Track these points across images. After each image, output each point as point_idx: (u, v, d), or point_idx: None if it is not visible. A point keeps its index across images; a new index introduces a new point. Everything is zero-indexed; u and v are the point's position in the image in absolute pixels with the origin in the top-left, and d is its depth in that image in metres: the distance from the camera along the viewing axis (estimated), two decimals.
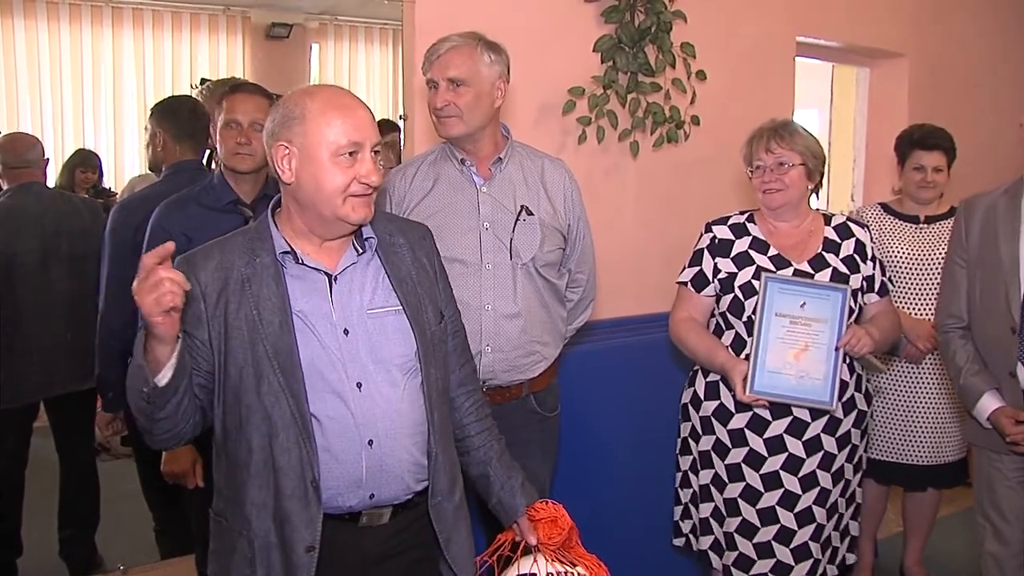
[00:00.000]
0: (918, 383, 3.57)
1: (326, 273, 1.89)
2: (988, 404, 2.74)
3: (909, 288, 3.56)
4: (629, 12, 3.69)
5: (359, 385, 1.87)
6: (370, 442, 1.87)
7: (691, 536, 2.95)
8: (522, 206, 2.66)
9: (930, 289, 3.54)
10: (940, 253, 3.53)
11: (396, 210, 2.63)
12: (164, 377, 1.70)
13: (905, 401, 3.58)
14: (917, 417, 3.57)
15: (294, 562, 1.82)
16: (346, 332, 1.88)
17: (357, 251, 1.94)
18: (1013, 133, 2.71)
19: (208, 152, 3.25)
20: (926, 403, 3.57)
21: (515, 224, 2.64)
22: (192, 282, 1.78)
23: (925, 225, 3.61)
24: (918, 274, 3.55)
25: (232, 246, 1.88)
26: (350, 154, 1.82)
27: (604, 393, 3.31)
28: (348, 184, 1.82)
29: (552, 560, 2.09)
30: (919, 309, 3.55)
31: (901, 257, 3.56)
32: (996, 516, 2.82)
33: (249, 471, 1.84)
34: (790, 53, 4.50)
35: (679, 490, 2.97)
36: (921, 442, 3.57)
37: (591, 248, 2.90)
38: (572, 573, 2.08)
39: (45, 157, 3.35)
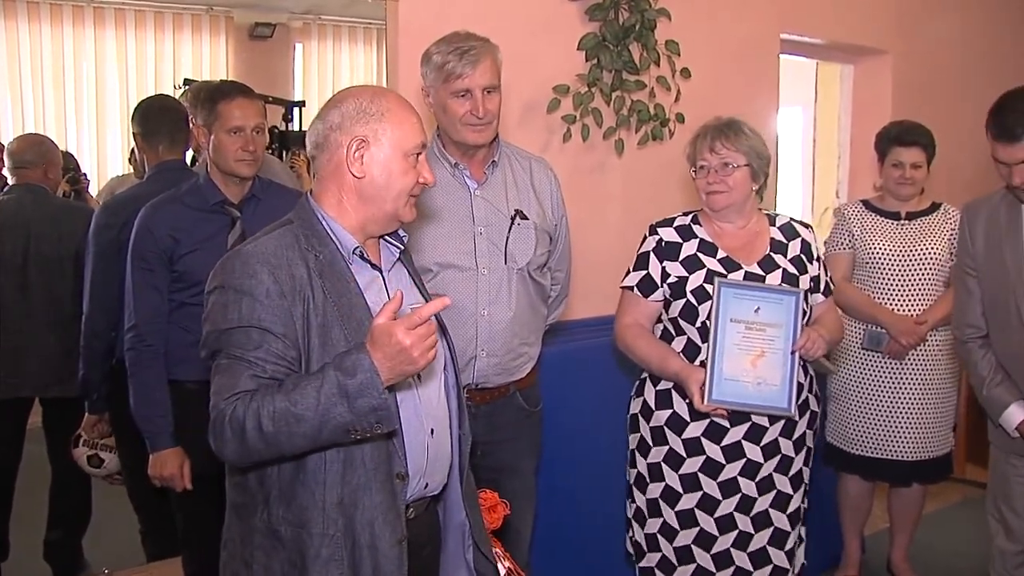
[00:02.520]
0: (902, 378, 3.58)
1: (379, 269, 1.91)
2: (1015, 416, 2.71)
3: (891, 284, 3.57)
4: (613, 10, 3.69)
5: (419, 377, 1.88)
6: (432, 432, 1.90)
7: (634, 553, 2.87)
8: (516, 211, 2.65)
9: (911, 285, 3.55)
10: (921, 249, 3.55)
11: None
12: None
13: (889, 397, 3.59)
14: (901, 413, 3.58)
15: (386, 554, 1.80)
16: None
17: (397, 248, 1.97)
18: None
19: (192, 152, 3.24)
20: (910, 399, 3.58)
21: (510, 229, 2.63)
22: (269, 279, 1.75)
23: (906, 221, 3.62)
24: (900, 270, 3.56)
25: (287, 242, 1.82)
26: (416, 155, 1.86)
27: (586, 392, 3.30)
28: (413, 184, 1.87)
29: None
30: (901, 305, 3.56)
31: (883, 253, 3.57)
32: (1008, 512, 2.81)
33: (335, 470, 1.80)
34: (774, 50, 4.51)
35: (627, 503, 2.90)
36: (905, 438, 3.58)
37: (569, 245, 2.91)
38: (498, 551, 2.18)
39: (50, 156, 3.33)
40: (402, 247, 1.97)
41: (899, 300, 3.56)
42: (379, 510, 1.80)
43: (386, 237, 1.95)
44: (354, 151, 1.83)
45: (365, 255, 1.87)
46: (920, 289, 3.54)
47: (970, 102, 5.17)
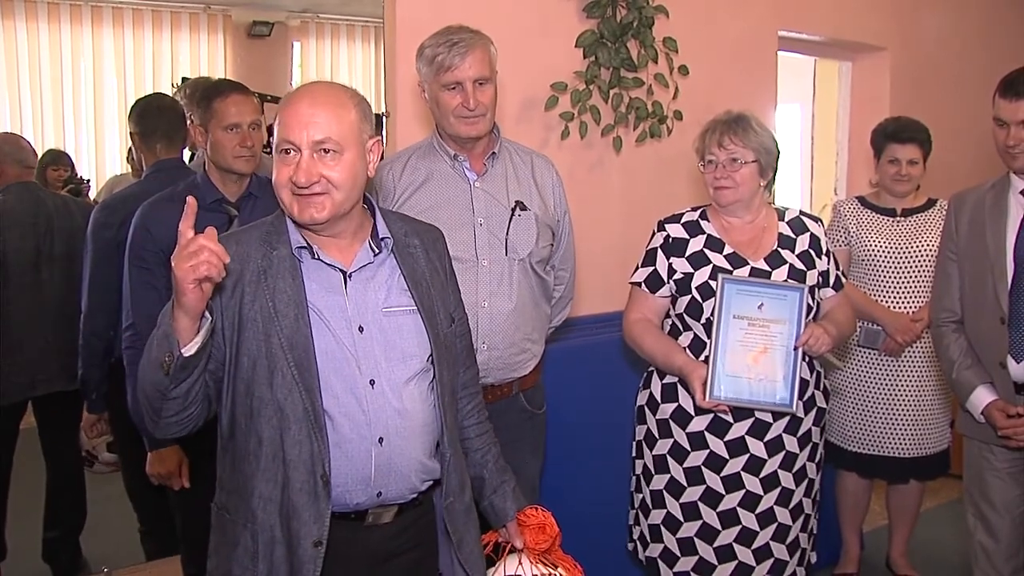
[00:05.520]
0: (898, 376, 3.59)
1: (341, 270, 1.89)
2: (981, 398, 2.74)
3: (887, 281, 3.58)
4: (611, 7, 3.70)
5: (372, 382, 1.86)
6: (380, 440, 1.86)
7: (638, 544, 2.88)
8: (517, 201, 2.64)
9: (908, 282, 3.56)
10: (917, 246, 3.55)
11: (384, 205, 2.61)
12: (191, 349, 1.69)
13: (886, 394, 3.59)
14: (898, 409, 3.59)
15: (300, 556, 1.81)
16: (361, 329, 1.87)
17: (373, 250, 1.93)
18: (991, 126, 2.72)
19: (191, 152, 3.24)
20: (907, 395, 3.58)
21: (510, 220, 2.62)
22: None
23: (902, 218, 3.62)
24: (895, 267, 3.56)
25: (249, 238, 1.88)
26: (285, 151, 1.83)
27: (589, 390, 3.31)
28: (286, 181, 1.83)
29: (535, 562, 2.13)
30: (897, 302, 3.56)
31: (878, 250, 3.57)
32: (986, 507, 2.84)
33: (258, 463, 1.83)
34: (772, 47, 4.52)
35: (633, 494, 2.92)
36: (902, 434, 3.59)
37: (573, 245, 2.89)
38: (555, 574, 2.13)
39: (29, 154, 3.34)
40: (377, 250, 1.93)
41: (895, 297, 3.56)
42: (297, 509, 1.82)
43: (369, 240, 1.93)
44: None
45: (317, 254, 1.88)
46: (916, 286, 3.54)
47: (968, 98, 5.20)
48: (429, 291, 1.98)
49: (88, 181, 3.49)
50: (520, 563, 2.12)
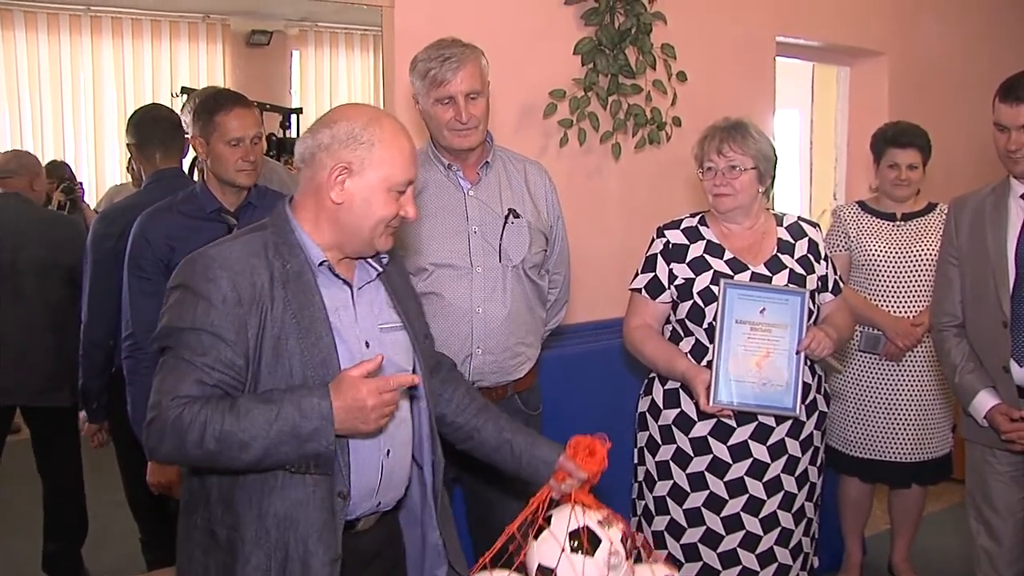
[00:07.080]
0: (900, 380, 3.58)
1: (348, 285, 1.91)
2: (984, 402, 2.75)
3: (887, 286, 3.57)
4: (609, 14, 3.70)
5: None
6: (388, 452, 1.90)
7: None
8: (510, 209, 2.69)
9: (908, 286, 3.55)
10: (918, 250, 3.55)
11: None
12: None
13: (887, 398, 3.58)
14: (899, 414, 3.58)
15: (317, 571, 1.80)
16: (367, 344, 1.89)
17: (375, 269, 1.95)
18: (991, 131, 2.73)
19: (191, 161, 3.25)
20: (908, 400, 3.58)
21: (503, 227, 2.67)
22: (228, 285, 1.75)
23: (902, 223, 3.61)
24: (896, 272, 3.56)
25: (254, 249, 1.82)
26: (399, 192, 1.85)
27: (589, 396, 3.31)
28: (392, 217, 1.85)
29: (595, 507, 2.02)
30: (898, 307, 3.56)
31: (879, 255, 3.57)
32: (988, 510, 2.84)
33: (277, 481, 1.80)
34: (770, 53, 4.52)
35: (635, 501, 2.91)
36: (904, 439, 3.58)
37: (567, 249, 2.93)
38: (609, 517, 2.01)
39: (33, 168, 3.34)
40: (379, 269, 1.95)
41: (895, 301, 3.56)
42: (315, 527, 1.80)
43: (368, 260, 1.94)
44: (336, 176, 1.81)
45: (334, 270, 1.87)
46: (916, 290, 3.54)
47: (966, 103, 5.20)
48: (407, 307, 2.03)
49: (81, 184, 3.50)
50: (581, 515, 1.98)
